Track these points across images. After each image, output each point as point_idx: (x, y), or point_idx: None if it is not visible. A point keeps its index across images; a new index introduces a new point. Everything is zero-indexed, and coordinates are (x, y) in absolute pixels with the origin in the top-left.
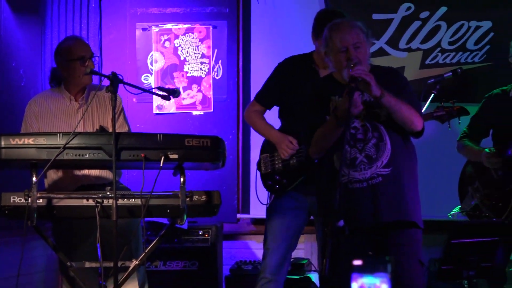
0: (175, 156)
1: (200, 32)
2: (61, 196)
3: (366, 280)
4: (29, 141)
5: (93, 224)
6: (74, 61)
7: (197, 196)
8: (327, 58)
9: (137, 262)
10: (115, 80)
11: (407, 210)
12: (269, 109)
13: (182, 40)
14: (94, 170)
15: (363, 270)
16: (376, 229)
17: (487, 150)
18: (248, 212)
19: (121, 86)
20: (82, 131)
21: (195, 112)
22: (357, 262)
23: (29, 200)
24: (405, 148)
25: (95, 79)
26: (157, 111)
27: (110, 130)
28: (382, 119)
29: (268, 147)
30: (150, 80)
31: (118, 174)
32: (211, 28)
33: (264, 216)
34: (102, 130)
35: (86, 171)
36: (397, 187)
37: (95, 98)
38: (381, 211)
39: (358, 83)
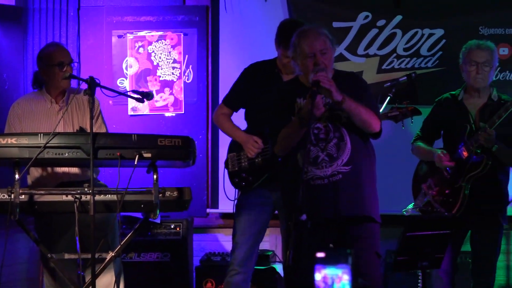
0: (149, 155)
1: (172, 39)
2: (42, 192)
3: (329, 271)
4: (12, 141)
5: (72, 218)
6: (53, 66)
7: (169, 192)
8: (293, 62)
9: (113, 254)
10: (93, 83)
11: (365, 206)
12: (236, 111)
13: (155, 47)
14: (74, 168)
15: (326, 262)
16: (337, 223)
17: (439, 151)
18: (217, 207)
19: (98, 89)
20: (62, 131)
21: (167, 114)
22: (320, 254)
23: (12, 196)
24: (364, 148)
25: (75, 83)
26: (132, 113)
27: (89, 130)
28: (343, 121)
29: (235, 147)
30: (125, 84)
31: (95, 172)
32: (182, 35)
33: (232, 211)
34: (81, 131)
35: (66, 169)
36: (356, 184)
37: (75, 101)
38: (340, 206)
39: (319, 87)
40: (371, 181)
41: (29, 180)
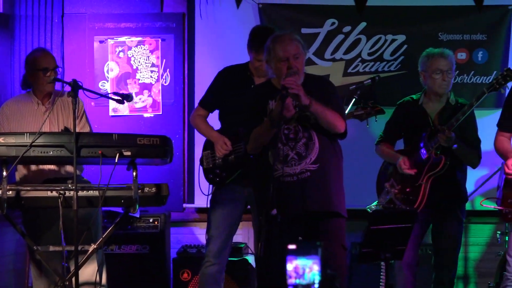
0: (129, 153)
1: (150, 44)
2: (28, 188)
3: (300, 261)
4: (0, 140)
5: (58, 213)
6: (38, 71)
7: (148, 188)
8: (267, 66)
9: (95, 246)
10: (76, 86)
11: (332, 202)
12: (211, 112)
13: (135, 51)
14: (59, 165)
15: (297, 253)
16: (305, 217)
17: (401, 158)
18: (193, 202)
19: (81, 91)
20: (48, 131)
21: (146, 115)
22: (291, 246)
23: (0, 192)
24: (332, 147)
25: (60, 85)
26: (113, 114)
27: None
28: (312, 122)
29: (209, 145)
30: (107, 86)
31: (79, 169)
32: (160, 40)
33: (207, 206)
34: (66, 131)
35: (52, 166)
36: (323, 181)
37: (60, 102)
38: (308, 202)
39: (288, 91)
40: (337, 179)
41: (17, 177)
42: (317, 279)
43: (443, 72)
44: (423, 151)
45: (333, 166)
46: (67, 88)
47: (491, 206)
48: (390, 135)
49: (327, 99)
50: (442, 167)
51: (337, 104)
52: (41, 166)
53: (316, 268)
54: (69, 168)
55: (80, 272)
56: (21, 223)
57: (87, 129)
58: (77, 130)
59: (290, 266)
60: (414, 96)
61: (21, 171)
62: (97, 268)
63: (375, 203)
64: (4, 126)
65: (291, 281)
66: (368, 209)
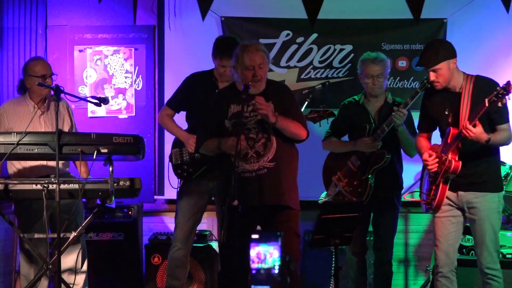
0: (105, 150)
1: (124, 53)
2: (15, 182)
3: (262, 248)
4: None
5: (48, 203)
6: (36, 78)
7: (122, 182)
8: (234, 71)
9: (75, 234)
10: (58, 90)
11: (285, 196)
12: (178, 112)
13: (111, 59)
14: (50, 162)
15: (260, 241)
16: (262, 209)
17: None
18: (163, 194)
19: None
20: (38, 131)
21: (121, 116)
22: (255, 235)
23: None
24: (288, 148)
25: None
26: (91, 115)
27: (65, 130)
28: (272, 125)
29: (178, 143)
30: (85, 91)
31: (67, 165)
32: (133, 50)
33: (176, 197)
34: (59, 131)
35: (44, 163)
36: (277, 178)
37: (54, 107)
38: (264, 196)
39: (248, 94)
40: (292, 176)
41: (12, 172)
42: (277, 263)
43: (373, 77)
44: None
45: (288, 165)
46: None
47: (412, 198)
48: (337, 131)
49: (286, 105)
50: (385, 161)
51: (298, 113)
52: (34, 163)
53: (276, 254)
54: (60, 165)
55: (64, 258)
56: (13, 213)
57: (74, 129)
58: (70, 130)
59: (253, 252)
60: (356, 97)
61: (15, 166)
62: (81, 252)
63: (323, 194)
64: (5, 125)
65: (254, 265)
66: (319, 201)
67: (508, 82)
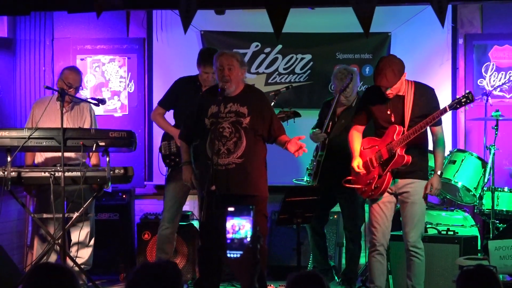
0: (103, 144)
1: (119, 61)
2: (26, 170)
3: (236, 221)
4: (5, 133)
5: (55, 189)
6: (64, 83)
7: (117, 170)
8: (216, 75)
9: (77, 214)
10: (63, 93)
11: (252, 187)
12: (168, 110)
13: (107, 67)
14: (67, 153)
15: (234, 214)
16: (233, 196)
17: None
18: (152, 180)
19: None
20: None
21: (116, 114)
22: (230, 208)
23: (5, 173)
24: (257, 145)
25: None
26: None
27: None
28: (243, 126)
29: (166, 137)
30: (86, 93)
31: (84, 157)
32: (126, 58)
33: (163, 183)
34: (80, 129)
35: (57, 154)
36: (244, 172)
37: (78, 108)
38: (230, 187)
39: (224, 96)
40: (259, 169)
41: (36, 161)
42: (249, 235)
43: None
44: None
45: (255, 160)
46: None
47: (351, 185)
48: (318, 124)
49: (268, 116)
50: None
51: (279, 122)
52: (53, 154)
53: (248, 226)
54: (75, 155)
55: (73, 234)
56: (35, 195)
57: (94, 126)
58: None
59: (228, 225)
60: (328, 98)
61: (37, 158)
62: (88, 232)
63: (305, 179)
64: (34, 119)
65: (229, 236)
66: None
67: (470, 92)
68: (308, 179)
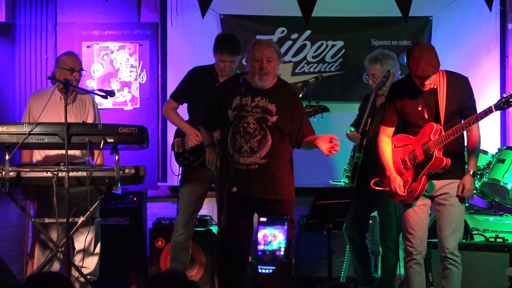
0: (112, 140)
1: (129, 48)
2: (27, 169)
3: (268, 231)
4: (2, 129)
5: (65, 190)
6: (65, 70)
7: (128, 170)
8: (246, 64)
9: (83, 218)
10: (67, 84)
11: (276, 190)
12: (181, 104)
13: (116, 55)
14: (70, 151)
15: (266, 223)
16: (250, 201)
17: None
18: (165, 181)
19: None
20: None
21: (126, 108)
22: (262, 218)
23: (3, 172)
24: (282, 145)
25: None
26: (98, 107)
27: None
28: (269, 124)
29: (180, 134)
30: (93, 84)
31: (87, 154)
32: (138, 45)
33: (178, 184)
34: (83, 124)
35: (61, 152)
36: (268, 174)
37: (79, 100)
38: (252, 190)
39: (246, 87)
40: (285, 170)
41: (34, 160)
42: (282, 246)
43: (369, 76)
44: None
45: (281, 161)
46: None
47: (380, 187)
48: (357, 121)
49: (299, 115)
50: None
51: (308, 122)
52: (54, 151)
53: (281, 236)
54: (78, 153)
55: (77, 241)
56: (35, 197)
57: (98, 121)
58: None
59: (260, 235)
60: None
61: (35, 156)
62: (94, 237)
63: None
64: (30, 113)
65: (260, 247)
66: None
67: None
68: (346, 181)
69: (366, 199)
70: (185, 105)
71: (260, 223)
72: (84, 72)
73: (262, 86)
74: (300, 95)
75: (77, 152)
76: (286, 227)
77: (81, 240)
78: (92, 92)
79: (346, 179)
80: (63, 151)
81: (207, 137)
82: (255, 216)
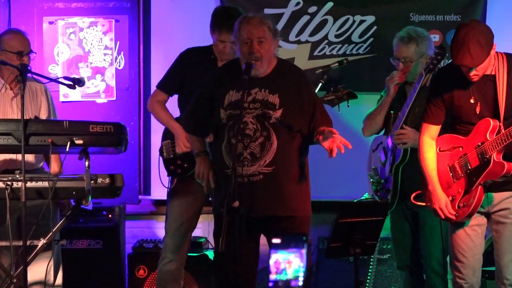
0: (81, 142)
1: (103, 25)
2: None
3: (282, 255)
4: None
5: (17, 204)
6: (11, 54)
7: (101, 179)
8: (236, 47)
9: (44, 241)
10: (23, 70)
11: (287, 205)
12: (171, 95)
13: (87, 33)
14: (19, 155)
15: (280, 246)
16: (254, 220)
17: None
18: (149, 193)
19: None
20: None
21: (99, 100)
22: (275, 240)
23: None
24: (292, 147)
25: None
26: (63, 99)
27: (43, 118)
28: (271, 121)
29: (169, 134)
30: (57, 70)
31: (40, 160)
32: (113, 21)
33: (165, 198)
34: (41, 120)
35: (13, 156)
36: (276, 185)
37: (29, 90)
38: (255, 207)
39: (250, 76)
40: (298, 179)
41: None
42: (301, 275)
43: (400, 60)
44: (389, 138)
45: (292, 167)
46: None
47: (422, 203)
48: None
49: (309, 101)
50: (404, 156)
51: (322, 110)
52: (2, 156)
53: (297, 262)
54: (30, 158)
55: (33, 270)
56: None
57: (52, 117)
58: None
59: (271, 261)
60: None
61: None
62: (52, 265)
63: (365, 196)
64: None
65: (271, 277)
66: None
67: None
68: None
69: (416, 215)
70: (175, 97)
71: (272, 246)
72: (35, 54)
73: (256, 74)
74: (320, 85)
75: (30, 157)
76: (304, 250)
77: (38, 269)
78: (55, 81)
79: (376, 192)
80: (13, 156)
81: (197, 144)
82: (263, 238)
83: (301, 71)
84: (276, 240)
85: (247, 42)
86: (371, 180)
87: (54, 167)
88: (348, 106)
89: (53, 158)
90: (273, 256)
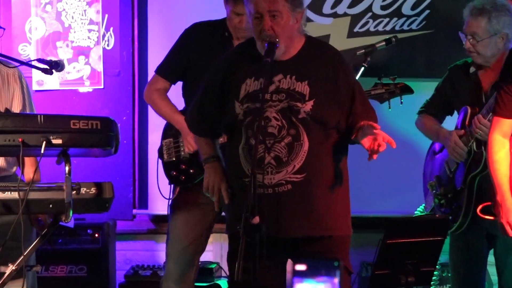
0: (59, 141)
1: None
2: None
3: (308, 285)
4: None
5: None
6: None
7: (85, 189)
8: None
9: (13, 267)
10: None
11: (321, 223)
12: (174, 83)
13: (67, 4)
14: None
15: (306, 274)
16: (281, 242)
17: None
18: (146, 207)
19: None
20: None
21: (82, 89)
22: (300, 266)
23: None
24: (327, 148)
25: None
26: (38, 88)
27: (16, 111)
28: (300, 116)
29: (171, 131)
30: (29, 51)
31: (13, 165)
32: None
33: (166, 212)
34: (6, 113)
35: None
36: (307, 197)
37: None
38: (281, 225)
39: (272, 58)
40: (335, 189)
41: None
42: None
43: (467, 36)
44: None
45: (329, 174)
46: None
47: (490, 217)
48: (433, 107)
49: (345, 90)
50: (484, 165)
51: (365, 100)
52: None
53: None
54: (1, 162)
55: None
56: None
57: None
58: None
59: None
60: (469, 60)
61: None
62: None
63: (421, 208)
64: None
65: None
66: None
67: None
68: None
69: (479, 237)
70: (179, 85)
71: (295, 273)
72: (3, 30)
73: (275, 57)
74: (362, 69)
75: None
76: (337, 280)
77: None
78: (27, 64)
79: (435, 203)
80: None
81: (205, 147)
82: (289, 263)
83: (337, 52)
84: (300, 267)
85: (257, 16)
86: (433, 191)
87: (29, 173)
88: (401, 103)
89: (28, 162)
90: (297, 286)
